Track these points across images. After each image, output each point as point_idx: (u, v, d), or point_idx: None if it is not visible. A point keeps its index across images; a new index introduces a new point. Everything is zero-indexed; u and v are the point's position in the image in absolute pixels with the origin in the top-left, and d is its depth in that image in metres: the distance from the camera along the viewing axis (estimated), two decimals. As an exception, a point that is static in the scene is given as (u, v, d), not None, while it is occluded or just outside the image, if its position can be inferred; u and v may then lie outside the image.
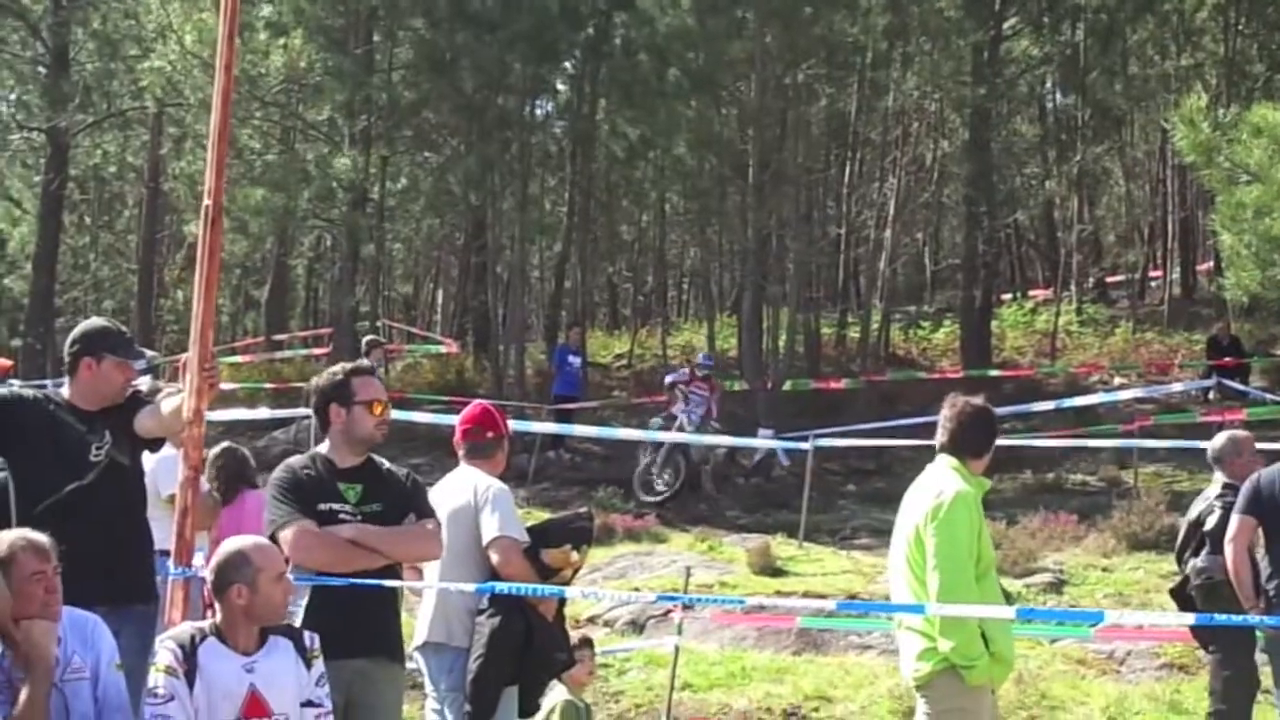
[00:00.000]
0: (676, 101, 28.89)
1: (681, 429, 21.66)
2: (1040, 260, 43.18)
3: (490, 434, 8.34)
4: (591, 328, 37.37)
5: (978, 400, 7.92)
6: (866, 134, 34.06)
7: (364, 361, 8.67)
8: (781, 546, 17.43)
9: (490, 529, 7.89)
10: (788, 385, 27.13)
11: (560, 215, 34.00)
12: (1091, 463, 23.06)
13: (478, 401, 8.84)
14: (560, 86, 32.31)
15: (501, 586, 7.74)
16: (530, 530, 8.14)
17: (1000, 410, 22.41)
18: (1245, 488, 9.33)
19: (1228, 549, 9.27)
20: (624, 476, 22.24)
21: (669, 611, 13.43)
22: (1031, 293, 39.00)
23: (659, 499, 21.05)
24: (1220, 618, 8.97)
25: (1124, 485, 21.59)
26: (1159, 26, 34.38)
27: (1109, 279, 39.82)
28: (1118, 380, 29.41)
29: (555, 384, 26.16)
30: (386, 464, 7.29)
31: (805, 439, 19.68)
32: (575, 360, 26.20)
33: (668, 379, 23.71)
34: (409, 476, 7.33)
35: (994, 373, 27.62)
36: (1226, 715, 9.75)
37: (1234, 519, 9.31)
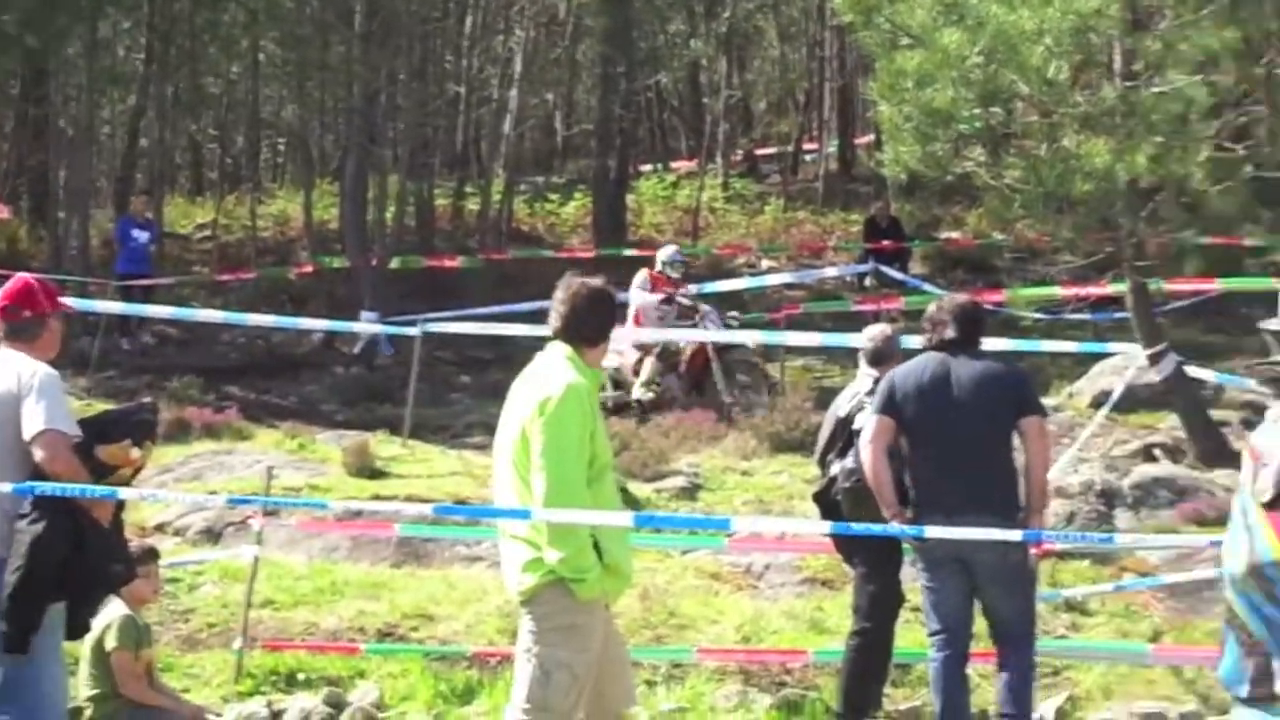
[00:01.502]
0: (272, -66, 28.29)
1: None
2: (684, 128, 43.70)
3: (28, 312, 8.08)
4: (171, 193, 36.55)
5: (595, 281, 7.95)
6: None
7: None
8: (383, 445, 17.30)
9: (34, 421, 7.67)
10: (396, 263, 26.93)
11: (135, 63, 33.02)
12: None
13: (20, 275, 8.53)
14: (135, -92, 31.30)
15: (45, 487, 7.54)
16: (84, 423, 7.96)
17: (634, 294, 22.77)
18: (881, 385, 9.59)
19: (864, 452, 9.50)
20: (205, 364, 21.81)
21: (248, 518, 13.20)
22: (673, 164, 39.50)
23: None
24: (858, 527, 9.23)
25: (771, 380, 22.03)
26: None
27: (759, 151, 40.59)
28: (766, 263, 30.03)
29: (118, 261, 25.45)
30: None
31: (413, 324, 19.56)
32: (141, 235, 25.42)
33: (633, 303, 20.35)
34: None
35: (629, 252, 27.86)
36: (869, 634, 10.02)
37: (870, 419, 9.55)
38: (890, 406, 9.39)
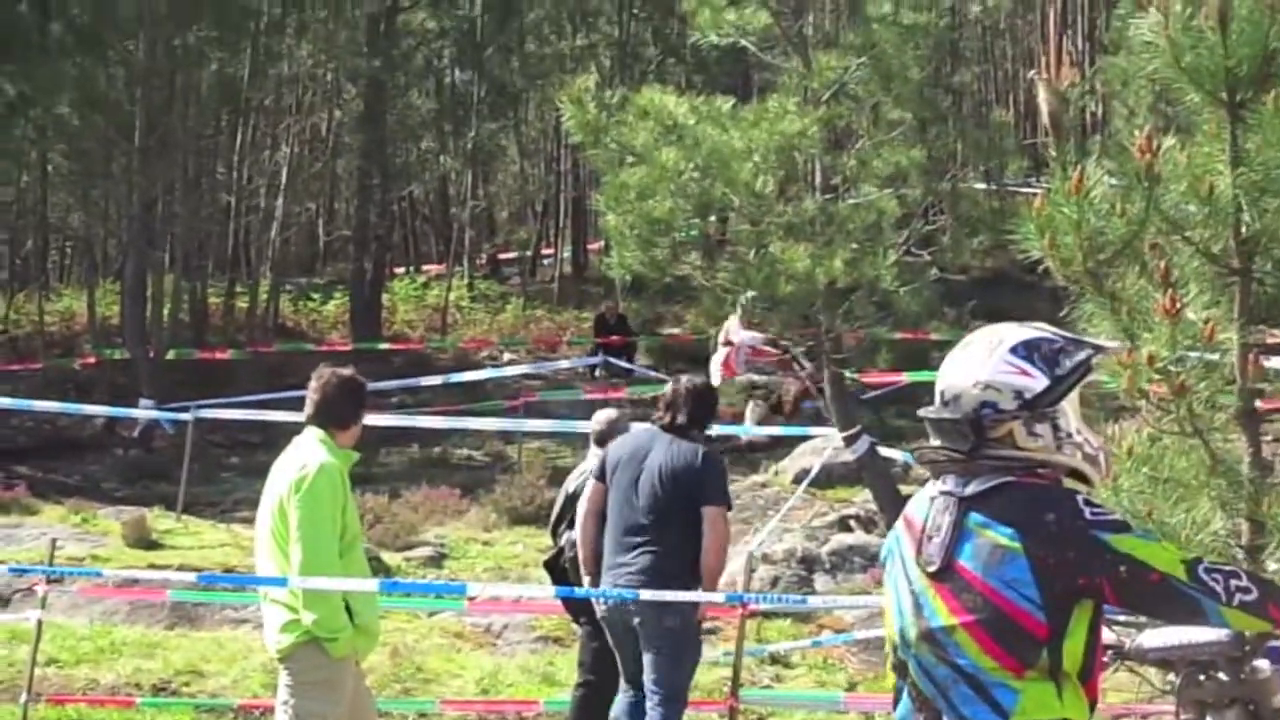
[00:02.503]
0: (60, 58, 27.72)
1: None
2: (434, 234, 43.67)
3: None
4: (-40, 291, 35.49)
5: (345, 371, 7.93)
6: (259, 100, 33.60)
7: None
8: (159, 519, 17.06)
9: None
10: (171, 354, 26.50)
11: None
12: (478, 438, 23.45)
13: None
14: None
15: None
16: None
17: (389, 384, 22.83)
18: (605, 455, 9.57)
19: (579, 514, 9.48)
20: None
21: (34, 585, 12.92)
22: (424, 267, 39.42)
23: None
24: (580, 591, 9.26)
25: (509, 460, 22.06)
26: (555, 6, 35.31)
27: (501, 255, 40.67)
28: (507, 356, 30.05)
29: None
30: None
31: (186, 409, 19.33)
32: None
33: (734, 340, 19.78)
34: None
35: (384, 346, 27.77)
36: (592, 685, 10.02)
37: (587, 485, 9.53)
38: (602, 474, 9.37)
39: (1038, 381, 4.21)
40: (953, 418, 4.23)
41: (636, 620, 8.98)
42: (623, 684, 9.32)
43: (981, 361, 4.25)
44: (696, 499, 8.94)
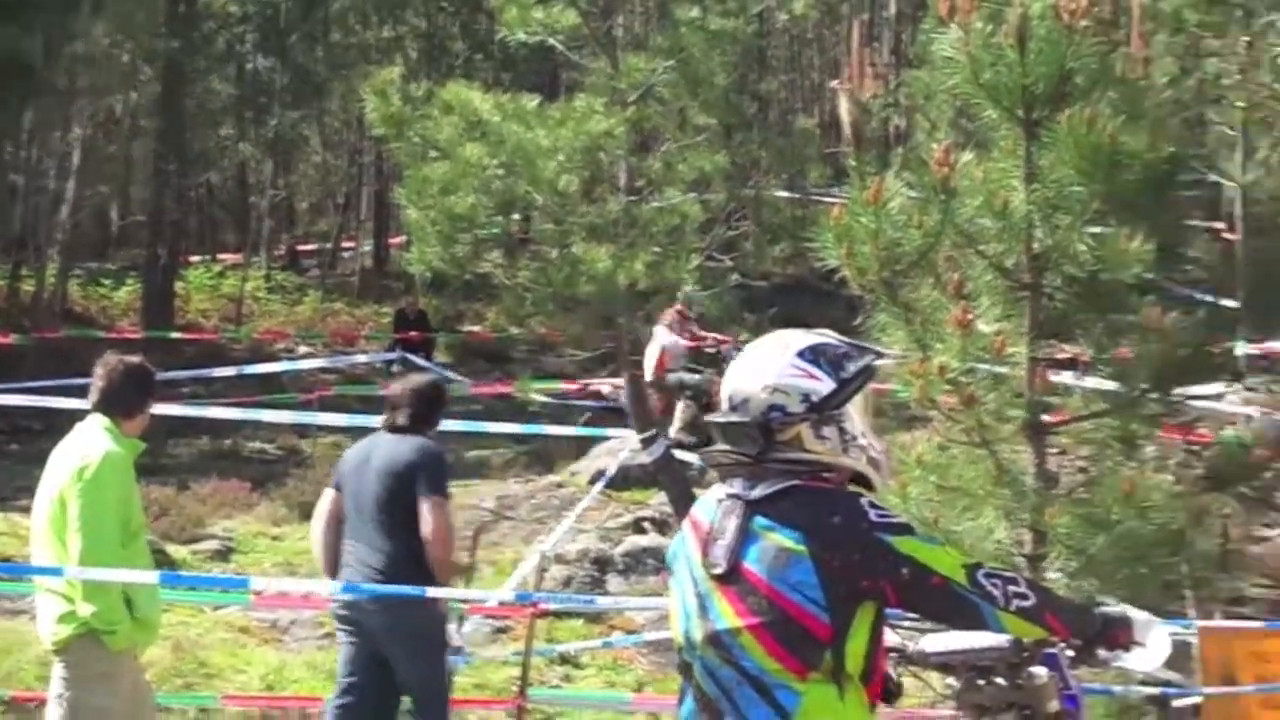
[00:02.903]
0: None
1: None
2: (231, 223, 43.09)
3: None
4: None
5: (133, 359, 7.81)
6: (51, 80, 32.86)
7: None
8: (-70, 510, 16.61)
9: None
10: (-50, 339, 25.82)
11: None
12: (271, 431, 23.18)
13: None
14: None
15: None
16: None
17: (180, 374, 22.46)
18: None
19: (314, 523, 9.38)
20: None
21: None
22: (221, 256, 38.85)
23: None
24: (365, 586, 9.13)
25: (302, 454, 21.85)
26: (362, -5, 35.04)
27: (300, 247, 40.27)
28: (303, 349, 29.77)
29: None
30: None
31: (-37, 396, 18.84)
32: None
33: (658, 345, 19.20)
34: None
35: (176, 335, 27.32)
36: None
37: (324, 495, 9.40)
38: (336, 480, 9.28)
39: (824, 385, 4.28)
40: (741, 421, 4.29)
41: (374, 620, 8.85)
42: (337, 688, 9.16)
43: (769, 366, 4.31)
44: (413, 493, 8.84)
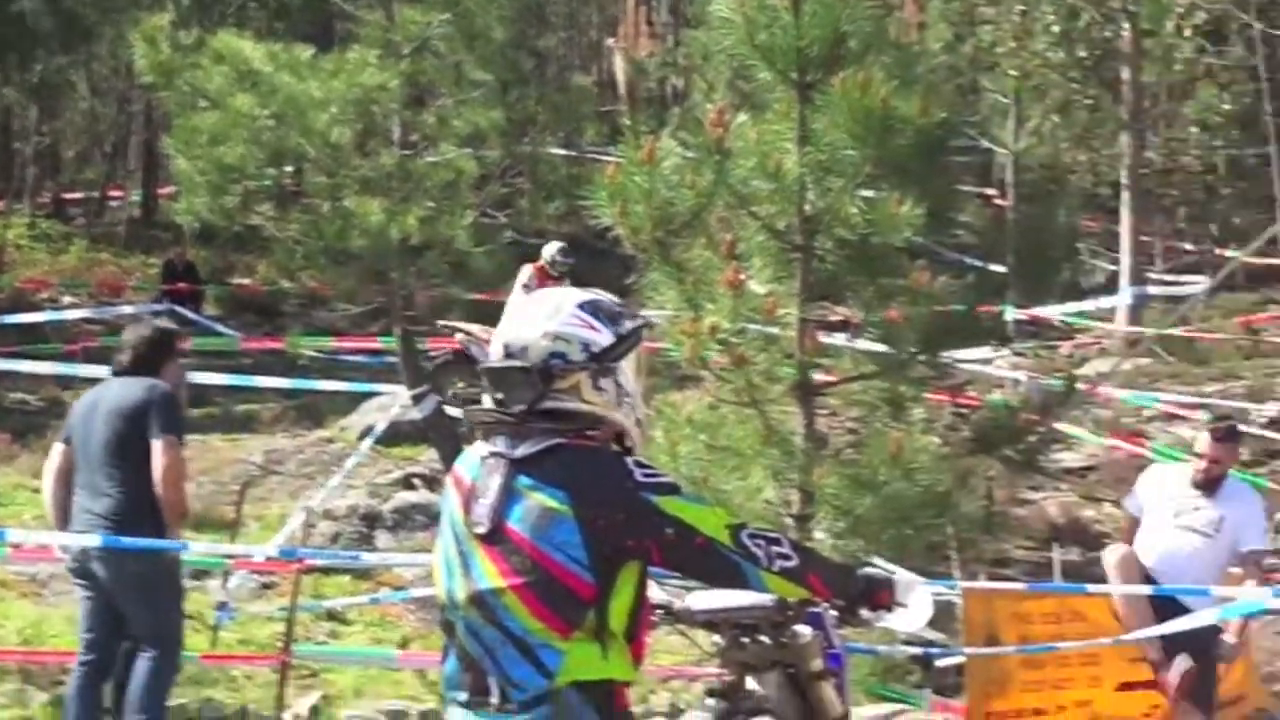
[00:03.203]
0: None
1: None
2: (-6, 169, 41.88)
3: None
4: None
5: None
6: None
7: None
8: None
9: None
10: None
11: None
12: (32, 382, 22.56)
13: None
14: None
15: None
16: None
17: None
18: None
19: (45, 479, 9.14)
20: None
21: None
22: (-21, 202, 37.78)
23: None
24: (141, 544, 8.89)
25: (64, 406, 21.30)
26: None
27: (66, 195, 39.22)
28: (67, 299, 29.06)
29: None
30: None
31: None
32: None
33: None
34: None
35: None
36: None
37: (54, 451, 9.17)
38: (65, 434, 9.05)
39: (604, 336, 4.28)
40: (521, 366, 4.26)
41: (103, 570, 8.61)
42: (80, 646, 8.93)
43: (549, 315, 4.30)
44: (142, 434, 8.61)
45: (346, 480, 16.28)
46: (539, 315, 4.31)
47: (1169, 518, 9.46)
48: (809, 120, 8.49)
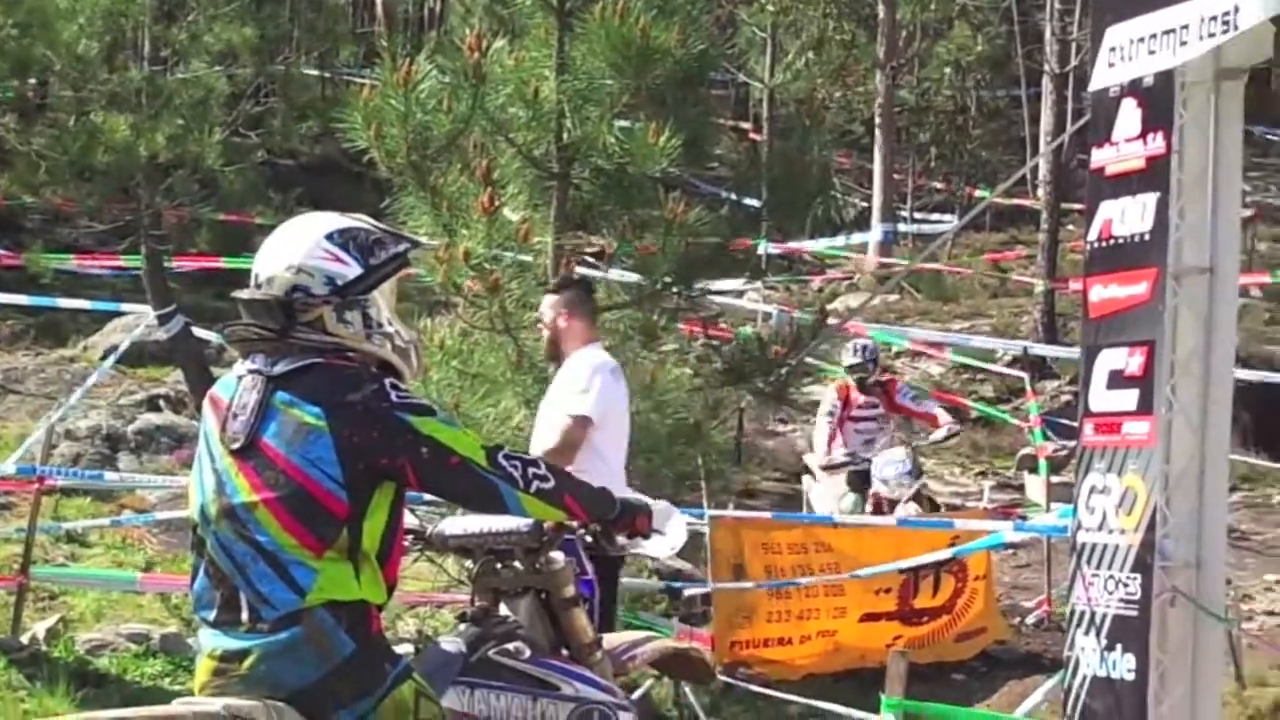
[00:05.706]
0: None
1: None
2: None
3: None
4: None
5: None
6: None
7: None
8: None
9: None
10: None
11: None
12: None
13: None
14: None
15: None
16: None
17: None
18: None
19: None
20: None
21: None
22: None
23: None
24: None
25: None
26: None
27: None
28: None
29: None
30: None
31: None
32: None
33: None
34: None
35: None
36: None
37: None
38: None
39: (351, 269, 4.23)
40: (264, 299, 4.21)
41: None
42: None
43: (297, 246, 4.24)
44: None
45: (89, 400, 15.91)
46: (287, 245, 4.25)
47: None
48: (568, 48, 8.45)
